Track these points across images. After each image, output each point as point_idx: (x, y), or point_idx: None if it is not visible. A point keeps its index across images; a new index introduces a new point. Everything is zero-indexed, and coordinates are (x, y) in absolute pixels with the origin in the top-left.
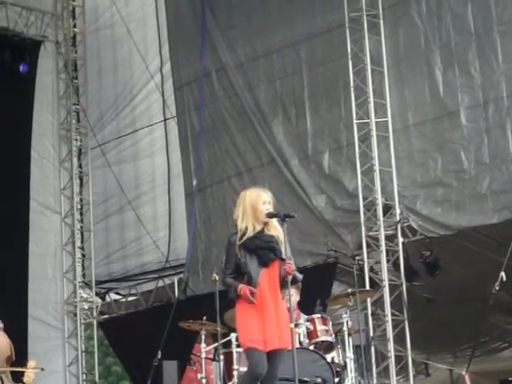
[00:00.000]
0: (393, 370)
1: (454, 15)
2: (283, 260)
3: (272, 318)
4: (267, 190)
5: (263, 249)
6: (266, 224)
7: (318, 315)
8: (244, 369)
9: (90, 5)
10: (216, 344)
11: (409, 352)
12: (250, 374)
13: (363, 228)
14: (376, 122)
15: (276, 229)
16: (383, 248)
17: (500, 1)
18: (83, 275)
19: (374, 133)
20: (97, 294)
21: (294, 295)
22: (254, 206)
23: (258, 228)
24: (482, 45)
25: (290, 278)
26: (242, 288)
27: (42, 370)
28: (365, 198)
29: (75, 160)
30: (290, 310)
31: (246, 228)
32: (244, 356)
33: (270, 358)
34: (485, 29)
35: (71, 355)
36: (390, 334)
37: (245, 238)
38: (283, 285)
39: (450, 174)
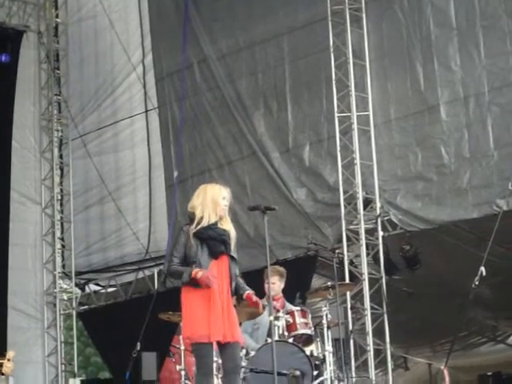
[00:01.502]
0: (371, 363)
1: (435, 9)
2: (233, 258)
3: (219, 310)
4: (227, 187)
5: (215, 240)
6: (220, 219)
7: (298, 308)
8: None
9: None
10: None
11: (388, 346)
12: (201, 371)
13: (343, 221)
14: (357, 115)
15: (229, 225)
16: (363, 241)
17: None
18: (63, 266)
19: (355, 126)
20: (76, 285)
21: (278, 282)
22: (215, 200)
23: (213, 220)
24: (464, 39)
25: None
26: (200, 271)
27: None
28: (345, 192)
29: (56, 150)
30: (270, 301)
31: (202, 218)
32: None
33: (225, 351)
34: (467, 23)
35: (50, 346)
36: (369, 327)
37: (199, 227)
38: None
39: (431, 168)
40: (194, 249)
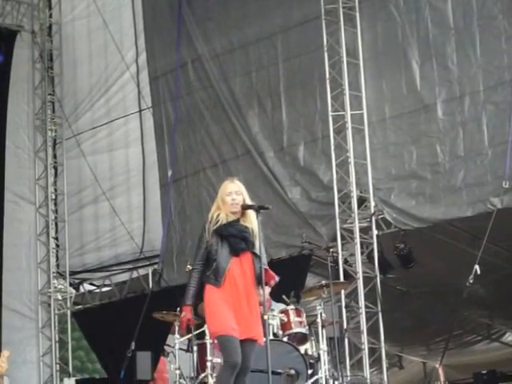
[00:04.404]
0: (366, 362)
1: (433, 9)
2: (256, 255)
3: (243, 307)
4: (236, 180)
5: (235, 237)
6: (242, 215)
7: (292, 307)
8: (217, 360)
9: None
10: (190, 335)
11: (382, 344)
12: (227, 363)
13: (338, 220)
14: (351, 114)
15: (252, 222)
16: (357, 240)
17: None
18: (57, 265)
19: (349, 125)
20: (71, 285)
21: (266, 287)
22: (222, 198)
23: (232, 218)
24: (461, 38)
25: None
26: (186, 312)
27: None
28: (339, 191)
29: (50, 150)
30: (264, 302)
31: (219, 215)
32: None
33: (242, 349)
34: (465, 23)
35: (45, 345)
36: (363, 326)
37: (219, 224)
38: (259, 282)
39: (425, 166)
40: (215, 247)
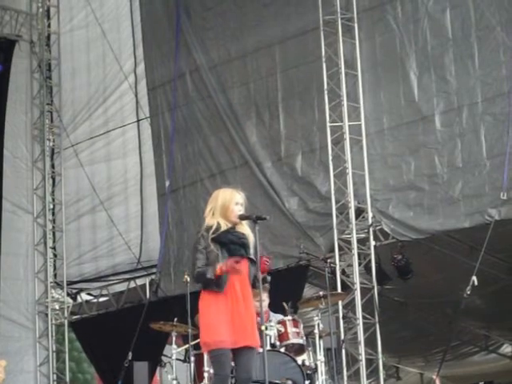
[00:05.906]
0: (363, 373)
1: (432, 20)
2: (252, 261)
3: (242, 314)
4: (240, 191)
5: (235, 244)
6: (236, 225)
7: (290, 317)
8: None
9: (65, 5)
10: (187, 345)
11: (379, 355)
12: (219, 377)
13: (335, 231)
14: (349, 125)
15: (246, 230)
16: (355, 251)
17: (479, 7)
18: (55, 275)
19: (347, 136)
20: (68, 295)
21: (266, 299)
22: (226, 206)
23: (229, 226)
24: (460, 50)
25: (265, 275)
26: (222, 264)
27: None
28: (337, 201)
29: (48, 160)
30: (261, 314)
31: (219, 223)
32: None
33: (240, 358)
34: (463, 34)
35: (42, 355)
36: (361, 337)
37: (219, 232)
38: (254, 285)
39: (423, 177)
40: (215, 253)
